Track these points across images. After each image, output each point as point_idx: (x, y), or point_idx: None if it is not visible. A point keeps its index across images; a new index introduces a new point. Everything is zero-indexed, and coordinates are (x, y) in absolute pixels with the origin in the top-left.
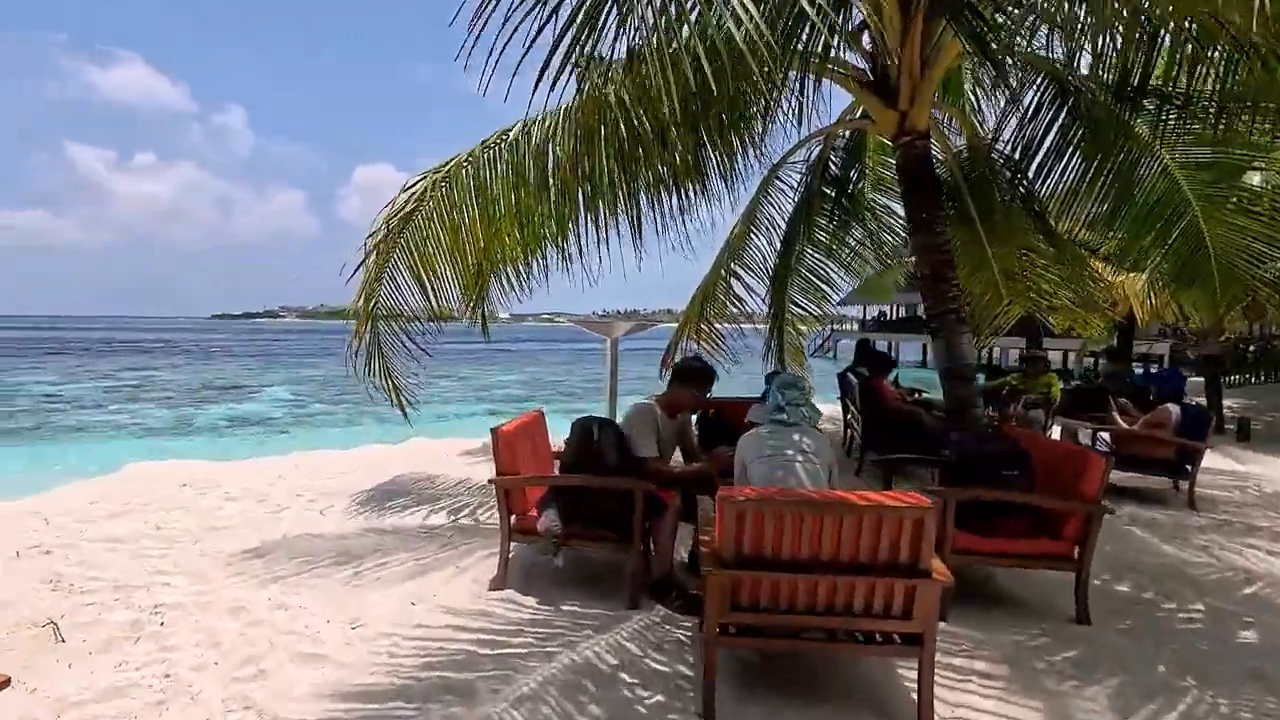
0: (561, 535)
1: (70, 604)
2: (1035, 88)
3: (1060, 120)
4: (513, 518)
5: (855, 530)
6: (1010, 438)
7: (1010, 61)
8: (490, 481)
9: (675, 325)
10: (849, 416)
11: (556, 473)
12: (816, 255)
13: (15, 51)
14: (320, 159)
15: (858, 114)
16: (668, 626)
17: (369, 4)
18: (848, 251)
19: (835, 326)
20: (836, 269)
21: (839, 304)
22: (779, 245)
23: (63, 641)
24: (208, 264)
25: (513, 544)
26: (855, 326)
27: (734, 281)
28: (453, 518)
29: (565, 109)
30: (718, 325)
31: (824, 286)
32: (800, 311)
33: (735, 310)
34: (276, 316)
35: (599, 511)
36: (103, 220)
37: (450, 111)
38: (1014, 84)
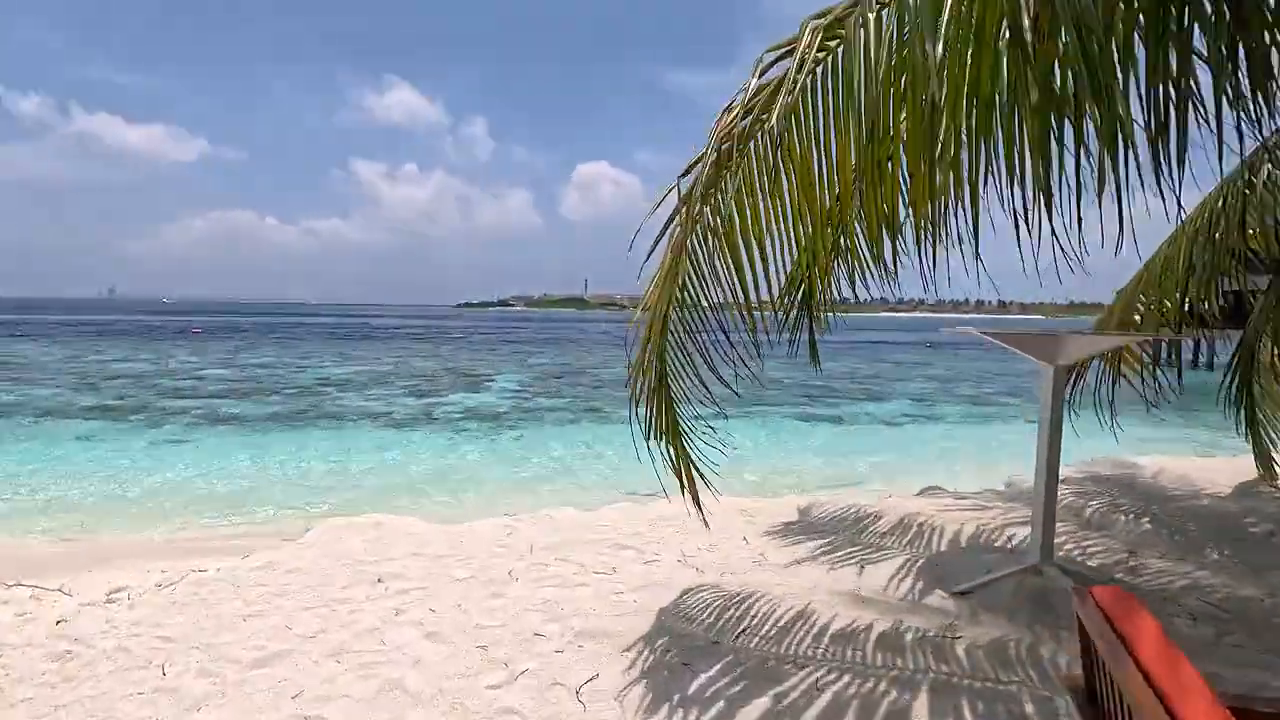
0: None
1: None
2: None
3: None
4: None
5: None
6: None
7: None
8: None
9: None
10: None
11: None
12: None
13: (312, 82)
14: (545, 159)
15: None
16: None
17: (583, 9)
18: None
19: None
20: None
21: (1117, 291)
22: None
23: None
24: (454, 258)
25: None
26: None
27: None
28: None
29: None
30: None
31: None
32: None
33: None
34: (508, 305)
35: None
36: (377, 223)
37: (659, 105)
38: None
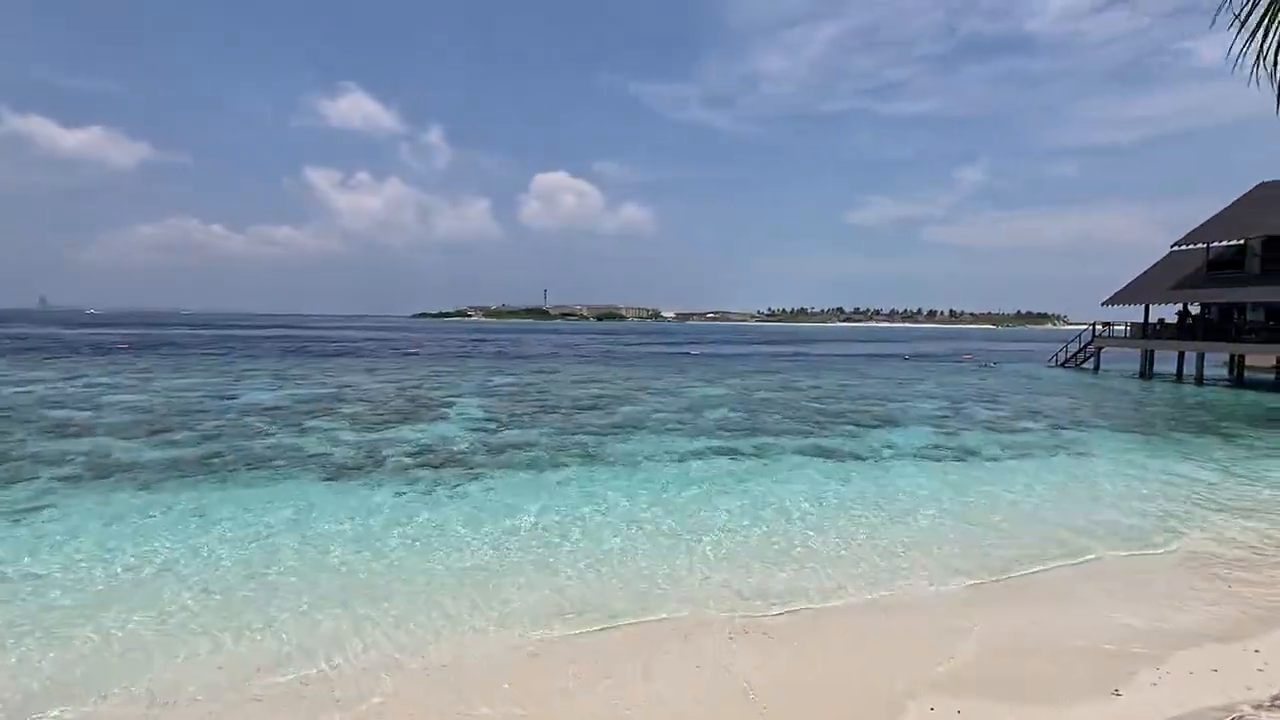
0: None
1: None
2: None
3: None
4: None
5: None
6: None
7: None
8: None
9: None
10: None
11: None
12: None
13: (261, 87)
14: (504, 168)
15: None
16: None
17: (545, 18)
18: None
19: (1101, 330)
20: None
21: (1105, 303)
22: None
23: None
24: (409, 268)
25: None
26: (1126, 330)
27: None
28: None
29: None
30: None
31: None
32: None
33: None
34: (466, 316)
35: None
36: (331, 232)
37: (619, 114)
38: None
